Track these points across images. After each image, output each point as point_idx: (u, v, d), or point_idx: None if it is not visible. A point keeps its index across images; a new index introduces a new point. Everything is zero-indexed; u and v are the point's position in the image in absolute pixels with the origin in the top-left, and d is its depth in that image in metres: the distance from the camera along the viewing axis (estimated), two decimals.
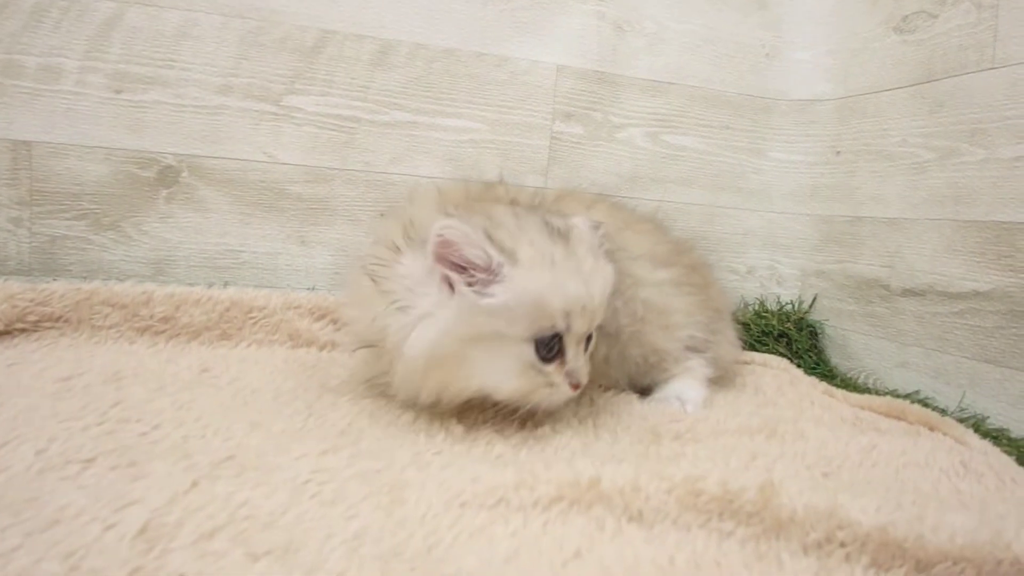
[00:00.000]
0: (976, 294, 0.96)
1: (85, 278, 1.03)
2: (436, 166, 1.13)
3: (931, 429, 0.82)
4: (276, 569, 0.40)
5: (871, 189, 1.14)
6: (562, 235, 0.68)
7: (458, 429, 0.67)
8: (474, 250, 0.63)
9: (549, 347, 0.65)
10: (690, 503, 0.50)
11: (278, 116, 1.07)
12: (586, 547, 0.45)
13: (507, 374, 0.64)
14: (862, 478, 0.62)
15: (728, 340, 0.97)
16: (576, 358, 0.67)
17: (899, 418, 0.87)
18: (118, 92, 1.01)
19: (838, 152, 1.21)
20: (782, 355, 1.15)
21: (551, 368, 0.66)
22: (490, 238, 0.64)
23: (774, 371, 1.04)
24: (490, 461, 0.58)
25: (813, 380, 1.01)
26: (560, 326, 0.65)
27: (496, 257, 0.63)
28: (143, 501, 0.45)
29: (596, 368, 0.78)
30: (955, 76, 1.01)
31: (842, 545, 0.46)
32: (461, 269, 0.64)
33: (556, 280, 0.64)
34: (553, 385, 0.65)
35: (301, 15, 1.06)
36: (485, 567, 0.42)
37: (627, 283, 0.81)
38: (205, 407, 0.69)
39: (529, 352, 0.65)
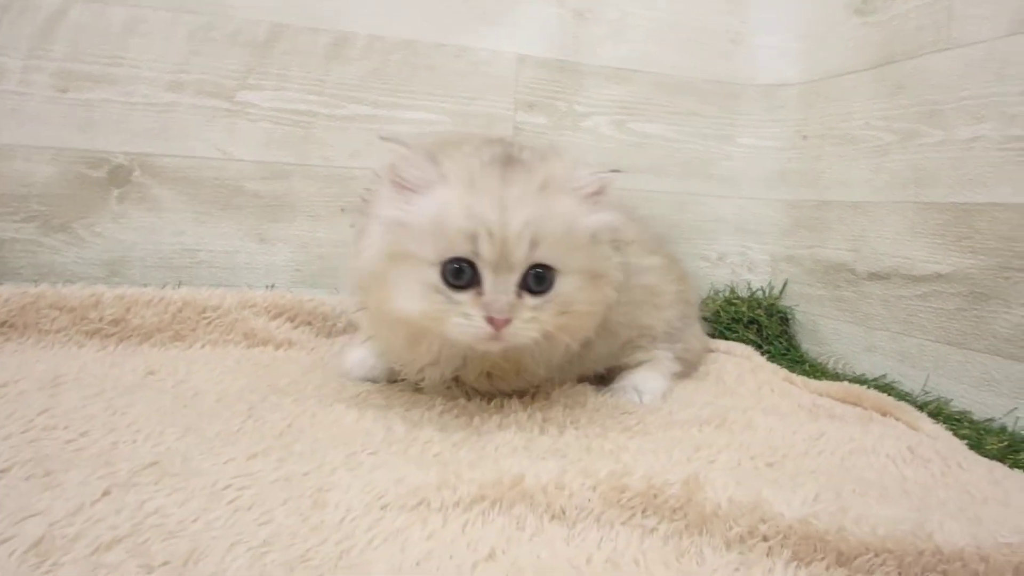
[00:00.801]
0: (938, 276, 0.95)
1: (36, 282, 1.00)
2: None
3: (884, 414, 0.82)
4: None
5: (837, 173, 1.13)
6: (509, 163, 0.66)
7: (400, 428, 0.65)
8: (412, 170, 0.64)
9: (457, 273, 0.62)
10: (614, 499, 0.49)
11: (232, 112, 1.05)
12: (502, 548, 0.44)
13: (413, 297, 0.63)
14: (806, 467, 0.61)
15: (695, 334, 0.97)
16: (495, 290, 0.62)
17: (855, 404, 0.86)
18: (64, 91, 0.99)
19: (804, 136, 1.20)
20: (752, 342, 1.14)
21: (463, 297, 0.63)
22: (432, 160, 0.64)
23: (737, 359, 1.03)
24: (422, 461, 0.57)
25: (775, 367, 1.00)
26: (464, 250, 0.62)
27: (425, 176, 0.64)
28: (46, 512, 0.43)
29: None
30: (913, 58, 1.00)
31: (764, 539, 0.45)
32: (405, 190, 0.65)
33: (461, 199, 0.62)
34: (467, 316, 0.62)
35: (253, 8, 1.04)
36: (394, 572, 0.41)
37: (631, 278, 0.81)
38: (141, 411, 0.67)
39: (434, 275, 0.63)
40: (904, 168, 1.01)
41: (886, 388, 0.98)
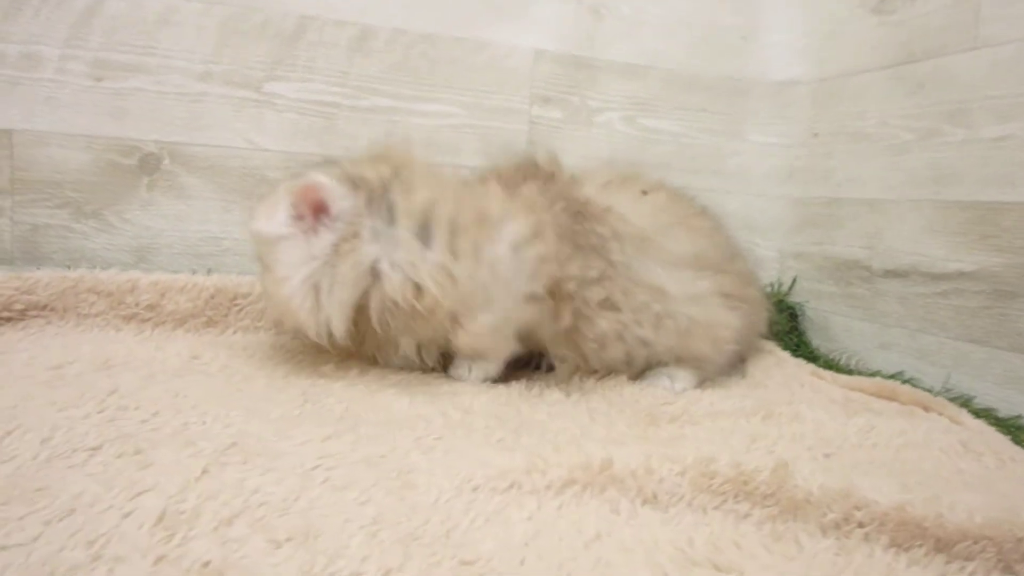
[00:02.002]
0: (960, 275, 0.96)
1: (68, 266, 1.04)
2: (415, 151, 1.15)
3: (925, 409, 0.82)
4: (300, 554, 0.40)
5: (849, 170, 1.15)
6: None
7: (455, 415, 0.68)
8: None
9: None
10: (704, 485, 0.51)
11: (259, 103, 1.07)
12: (605, 529, 0.45)
13: None
14: (863, 459, 0.62)
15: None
16: None
17: (890, 399, 0.87)
18: (99, 80, 1.01)
19: (816, 134, 1.22)
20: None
21: None
22: None
23: (762, 354, 1.04)
24: (492, 446, 0.59)
25: (799, 361, 1.01)
26: None
27: None
28: (156, 488, 0.45)
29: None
30: (936, 57, 1.01)
31: (860, 525, 0.46)
32: None
33: None
34: None
35: (281, 1, 1.05)
36: (504, 550, 0.42)
37: (639, 297, 0.82)
38: (199, 394, 0.69)
39: None
40: (923, 166, 1.02)
41: (890, 380, 0.98)
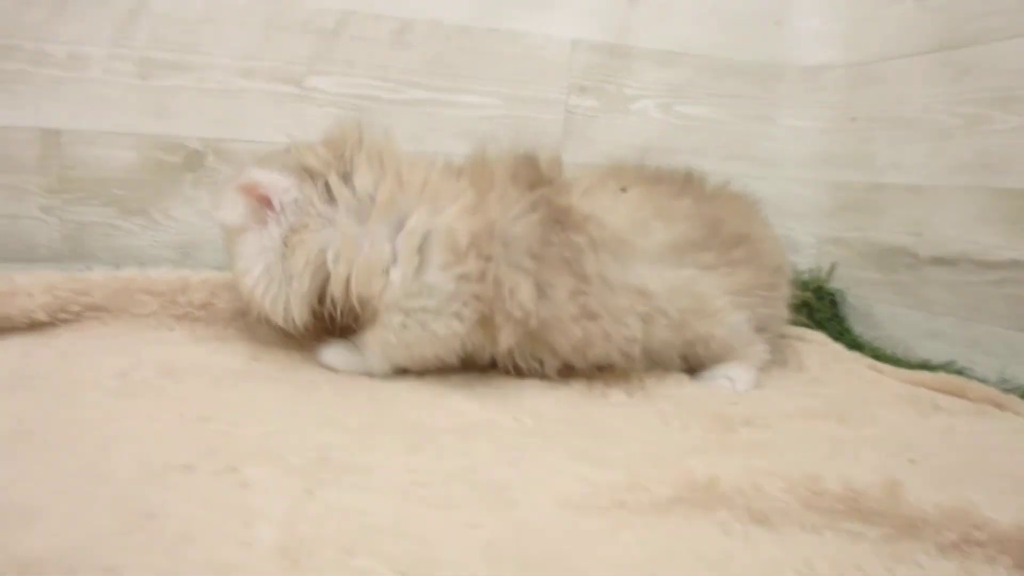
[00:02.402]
0: (1014, 263, 0.94)
1: (116, 264, 1.05)
2: (454, 142, 1.13)
3: (999, 408, 0.79)
4: None
5: (890, 156, 1.13)
6: None
7: (528, 421, 0.67)
8: None
9: None
10: (812, 503, 0.49)
11: (300, 98, 1.06)
12: (723, 553, 0.44)
13: None
14: (950, 464, 0.60)
15: (783, 301, 0.95)
16: None
17: (958, 395, 0.84)
18: (144, 78, 1.00)
19: (853, 119, 1.20)
20: (805, 325, 1.13)
21: None
22: None
23: (814, 346, 1.02)
24: (579, 457, 0.57)
25: (856, 355, 0.99)
26: None
27: None
28: (266, 514, 0.44)
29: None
30: (981, 44, 0.99)
31: (980, 545, 0.45)
32: None
33: None
34: None
35: None
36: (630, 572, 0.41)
37: (620, 302, 0.78)
38: (270, 401, 0.69)
39: None
40: (970, 153, 1.00)
41: (957, 375, 0.95)
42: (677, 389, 0.80)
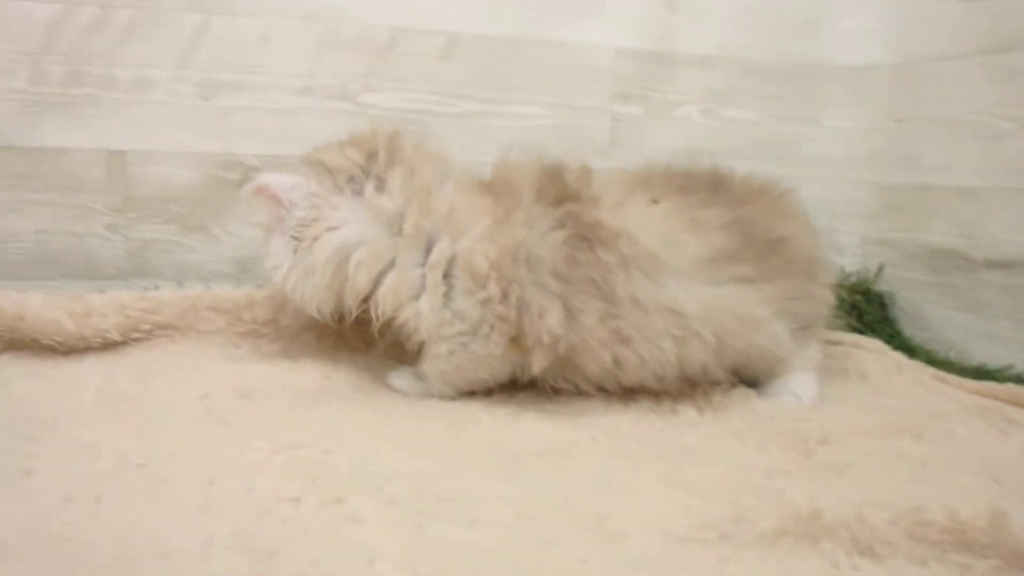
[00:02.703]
0: None
1: (178, 280, 1.08)
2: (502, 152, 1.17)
3: None
4: None
5: (938, 157, 1.11)
6: None
7: (606, 441, 0.67)
8: None
9: None
10: (919, 535, 0.48)
11: (355, 113, 1.07)
12: None
13: None
14: None
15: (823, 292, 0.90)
16: None
17: None
18: (206, 99, 1.02)
19: (898, 120, 1.19)
20: (854, 329, 1.11)
21: None
22: None
23: (874, 355, 1.00)
24: (669, 483, 0.57)
25: (918, 364, 0.97)
26: None
27: None
28: (385, 552, 0.44)
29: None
30: None
31: None
32: None
33: None
34: None
35: (374, 14, 1.06)
36: None
37: (653, 325, 0.75)
38: (352, 425, 0.70)
39: None
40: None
41: (1016, 379, 0.94)
42: (745, 404, 0.79)
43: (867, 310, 1.17)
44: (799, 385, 0.84)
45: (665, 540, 0.48)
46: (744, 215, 0.83)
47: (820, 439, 0.70)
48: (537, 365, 0.76)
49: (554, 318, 0.73)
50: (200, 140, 1.04)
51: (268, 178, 0.81)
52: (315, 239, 0.78)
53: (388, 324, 0.79)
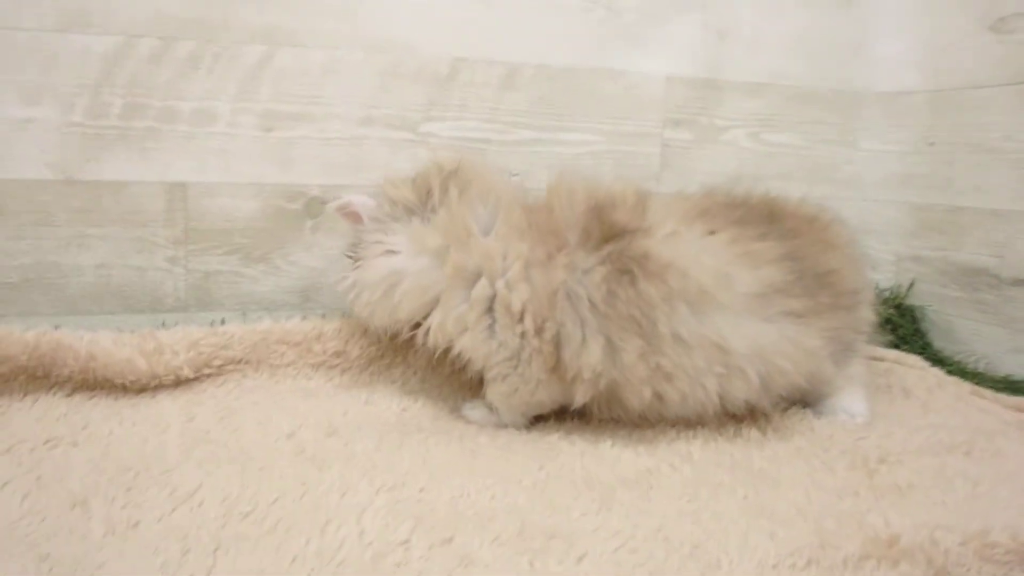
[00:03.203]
0: None
1: (241, 311, 1.04)
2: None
3: None
4: None
5: (972, 180, 1.12)
6: None
7: (683, 467, 0.68)
8: None
9: None
10: (988, 555, 0.50)
11: (415, 143, 1.04)
12: None
13: None
14: None
15: (864, 319, 0.88)
16: None
17: None
18: (268, 131, 0.98)
19: (932, 143, 1.19)
20: (890, 342, 1.12)
21: None
22: None
23: (916, 371, 1.01)
24: (751, 511, 0.58)
25: (956, 380, 0.98)
26: None
27: None
28: None
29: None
30: None
31: None
32: None
33: None
34: None
35: (436, 45, 1.03)
36: None
37: (696, 361, 0.73)
38: (439, 460, 0.69)
39: None
40: None
41: None
42: (803, 424, 0.81)
43: (900, 323, 1.18)
44: (851, 403, 0.84)
45: (759, 568, 0.49)
46: (796, 247, 0.81)
47: (879, 458, 0.71)
48: (580, 397, 0.76)
49: (594, 354, 0.73)
50: (262, 170, 1.01)
51: (352, 197, 0.85)
52: (374, 258, 0.81)
53: (446, 352, 0.81)
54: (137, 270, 0.98)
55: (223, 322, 0.99)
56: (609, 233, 0.76)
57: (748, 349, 0.74)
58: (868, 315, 0.89)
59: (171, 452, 0.71)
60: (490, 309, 0.76)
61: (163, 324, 0.99)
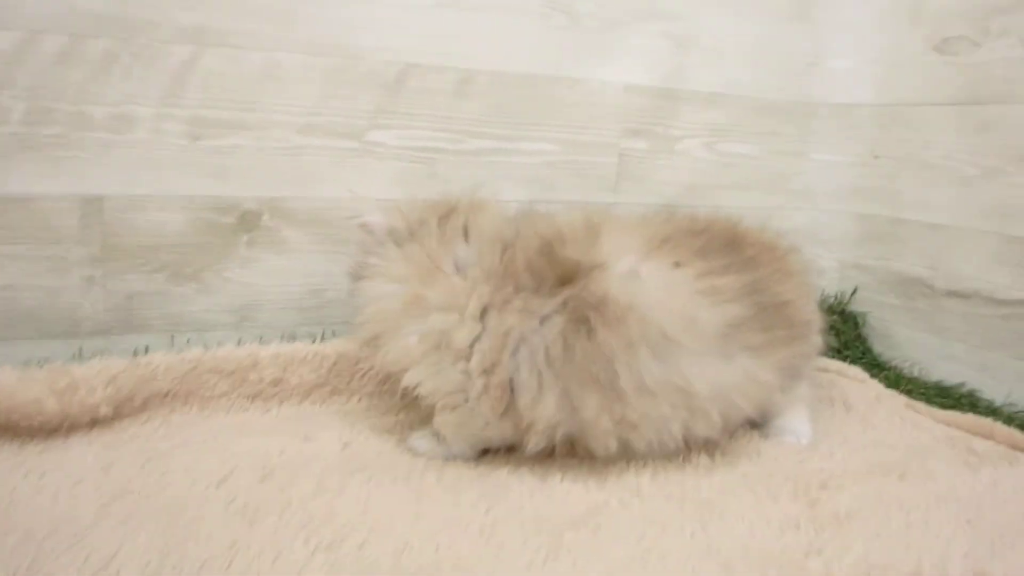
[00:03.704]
0: (1022, 303, 0.96)
1: (169, 333, 0.93)
2: (514, 190, 1.03)
3: (1020, 450, 0.81)
4: None
5: (913, 194, 1.12)
6: None
7: (633, 501, 0.67)
8: None
9: None
10: None
11: (361, 152, 0.94)
12: None
13: None
14: (1002, 524, 0.64)
15: (813, 348, 0.86)
16: None
17: (987, 437, 0.85)
18: (197, 139, 0.86)
19: (876, 156, 1.17)
20: (832, 348, 1.07)
21: None
22: None
23: (855, 383, 1.00)
24: (701, 551, 0.59)
25: (892, 392, 0.97)
26: None
27: None
28: None
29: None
30: (1002, 104, 0.98)
31: None
32: None
33: None
34: None
35: (385, 50, 0.92)
36: None
37: (660, 410, 0.69)
38: (383, 504, 0.63)
39: None
40: (989, 200, 1.00)
41: (967, 396, 1.00)
42: (750, 447, 0.80)
43: (842, 329, 1.17)
44: (796, 423, 0.83)
45: None
46: (757, 280, 0.77)
47: (821, 484, 0.71)
48: (532, 446, 0.70)
49: (548, 407, 0.68)
50: (190, 182, 0.89)
51: (371, 216, 0.81)
52: (367, 278, 0.77)
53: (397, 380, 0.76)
54: (49, 291, 0.86)
55: (147, 349, 0.89)
56: (562, 273, 0.70)
57: (711, 390, 0.70)
58: (818, 343, 0.86)
59: (85, 510, 0.61)
60: (439, 346, 0.71)
61: (81, 350, 0.87)
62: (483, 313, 0.70)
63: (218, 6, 0.85)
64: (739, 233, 0.82)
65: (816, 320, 0.85)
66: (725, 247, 0.78)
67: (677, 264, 0.73)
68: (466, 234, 0.75)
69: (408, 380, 0.73)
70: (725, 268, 0.75)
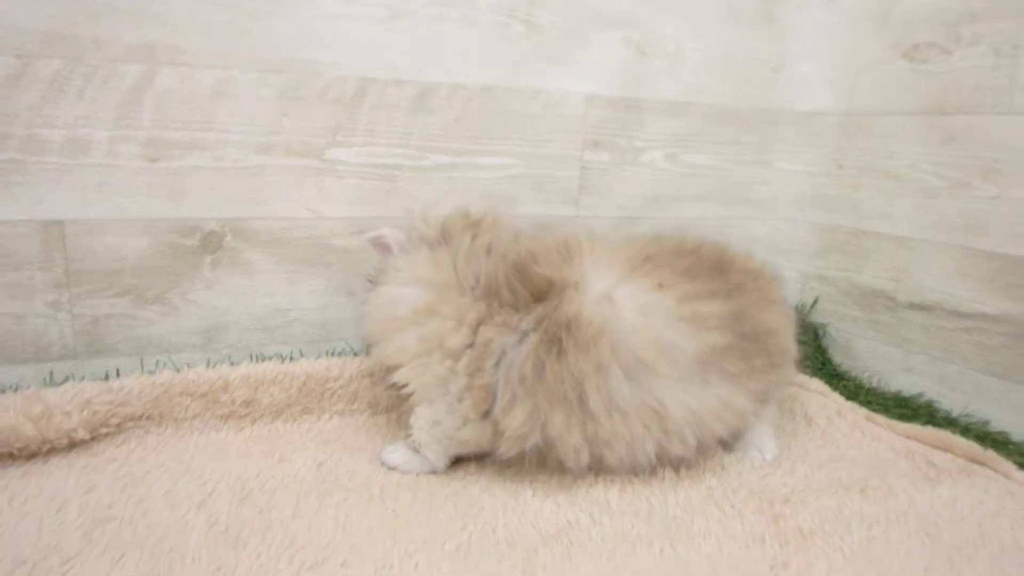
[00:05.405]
0: (983, 316, 1.00)
1: (137, 355, 0.94)
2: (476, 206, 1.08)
3: (978, 463, 0.84)
4: None
5: (877, 205, 1.16)
6: None
7: (602, 517, 0.70)
8: None
9: None
10: None
11: (321, 171, 0.98)
12: None
13: None
14: (960, 539, 0.67)
15: (787, 375, 0.88)
16: None
17: (946, 450, 0.88)
18: (154, 160, 0.89)
19: (840, 166, 1.22)
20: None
21: None
22: None
23: (816, 396, 1.04)
24: (665, 567, 0.62)
25: (853, 405, 1.02)
26: None
27: None
28: None
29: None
30: (969, 114, 1.01)
31: None
32: None
33: None
34: None
35: (341, 65, 0.96)
36: None
37: (633, 430, 0.72)
38: (360, 524, 0.68)
39: None
40: (953, 213, 1.04)
41: (926, 406, 1.05)
42: (714, 462, 0.84)
43: (803, 340, 1.23)
44: (762, 440, 0.87)
45: None
46: (740, 308, 0.80)
47: (784, 498, 0.75)
48: (503, 451, 0.75)
49: (516, 419, 0.72)
50: (150, 204, 0.92)
51: (384, 230, 0.85)
52: (389, 283, 0.81)
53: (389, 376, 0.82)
54: (15, 318, 0.88)
55: (117, 372, 0.90)
56: (534, 289, 0.76)
57: (685, 414, 0.75)
58: (792, 373, 0.90)
59: (70, 536, 0.65)
60: (432, 348, 0.76)
61: (51, 374, 0.92)
62: (478, 325, 0.75)
63: (166, 22, 0.89)
64: (727, 258, 0.86)
65: (794, 350, 0.88)
66: (712, 271, 0.82)
67: (660, 285, 0.76)
68: (489, 252, 0.80)
69: (399, 376, 0.78)
70: (712, 294, 0.78)
